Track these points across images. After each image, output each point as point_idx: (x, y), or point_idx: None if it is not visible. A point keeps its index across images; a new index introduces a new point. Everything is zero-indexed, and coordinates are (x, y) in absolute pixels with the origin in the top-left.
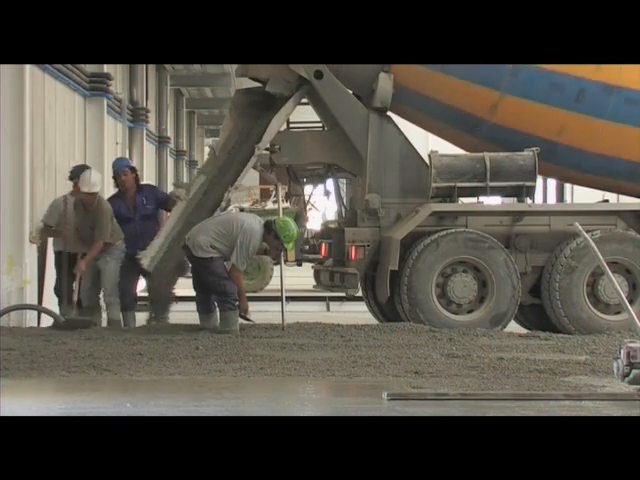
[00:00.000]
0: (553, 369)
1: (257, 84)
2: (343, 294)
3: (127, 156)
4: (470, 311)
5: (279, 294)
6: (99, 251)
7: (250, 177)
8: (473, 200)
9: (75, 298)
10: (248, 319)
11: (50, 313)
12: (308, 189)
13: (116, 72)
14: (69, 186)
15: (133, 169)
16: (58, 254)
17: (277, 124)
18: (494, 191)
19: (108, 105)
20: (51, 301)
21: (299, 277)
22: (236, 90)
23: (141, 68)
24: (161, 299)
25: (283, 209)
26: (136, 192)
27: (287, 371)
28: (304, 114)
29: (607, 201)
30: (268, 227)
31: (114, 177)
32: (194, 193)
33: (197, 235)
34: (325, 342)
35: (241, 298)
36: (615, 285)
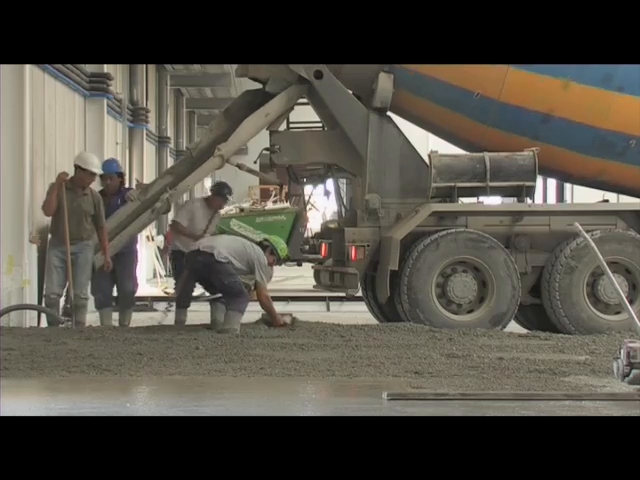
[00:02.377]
0: (553, 369)
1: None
2: (343, 294)
3: (127, 156)
4: (470, 311)
5: (279, 294)
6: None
7: (250, 177)
8: (473, 200)
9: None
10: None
11: (50, 313)
12: (308, 189)
13: (116, 72)
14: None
15: (120, 175)
16: (177, 253)
17: (253, 124)
18: (494, 191)
19: (108, 105)
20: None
21: (299, 277)
22: (245, 91)
23: (141, 68)
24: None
25: (282, 209)
26: (115, 194)
27: (287, 371)
28: (304, 114)
29: (607, 201)
30: (263, 246)
31: (101, 176)
32: (152, 194)
33: (213, 243)
34: (325, 342)
35: (274, 317)
36: (615, 285)
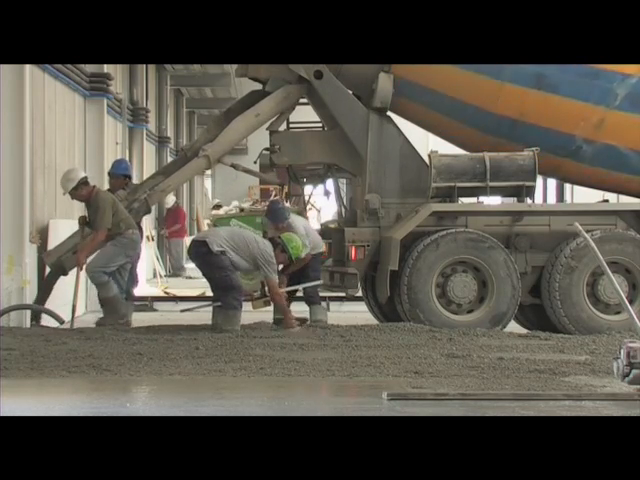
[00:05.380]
0: (553, 369)
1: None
2: (343, 294)
3: (127, 156)
4: (470, 311)
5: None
6: (99, 242)
7: (250, 177)
8: (473, 200)
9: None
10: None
11: (50, 313)
12: (308, 189)
13: (116, 72)
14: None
15: (126, 177)
16: None
17: (242, 125)
18: (494, 191)
19: (108, 105)
20: (52, 301)
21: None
22: (251, 91)
23: (141, 68)
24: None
25: None
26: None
27: (287, 371)
28: (304, 114)
29: (607, 201)
30: (273, 242)
31: (109, 173)
32: (141, 194)
33: (209, 233)
34: (325, 342)
35: (285, 315)
36: (615, 285)
